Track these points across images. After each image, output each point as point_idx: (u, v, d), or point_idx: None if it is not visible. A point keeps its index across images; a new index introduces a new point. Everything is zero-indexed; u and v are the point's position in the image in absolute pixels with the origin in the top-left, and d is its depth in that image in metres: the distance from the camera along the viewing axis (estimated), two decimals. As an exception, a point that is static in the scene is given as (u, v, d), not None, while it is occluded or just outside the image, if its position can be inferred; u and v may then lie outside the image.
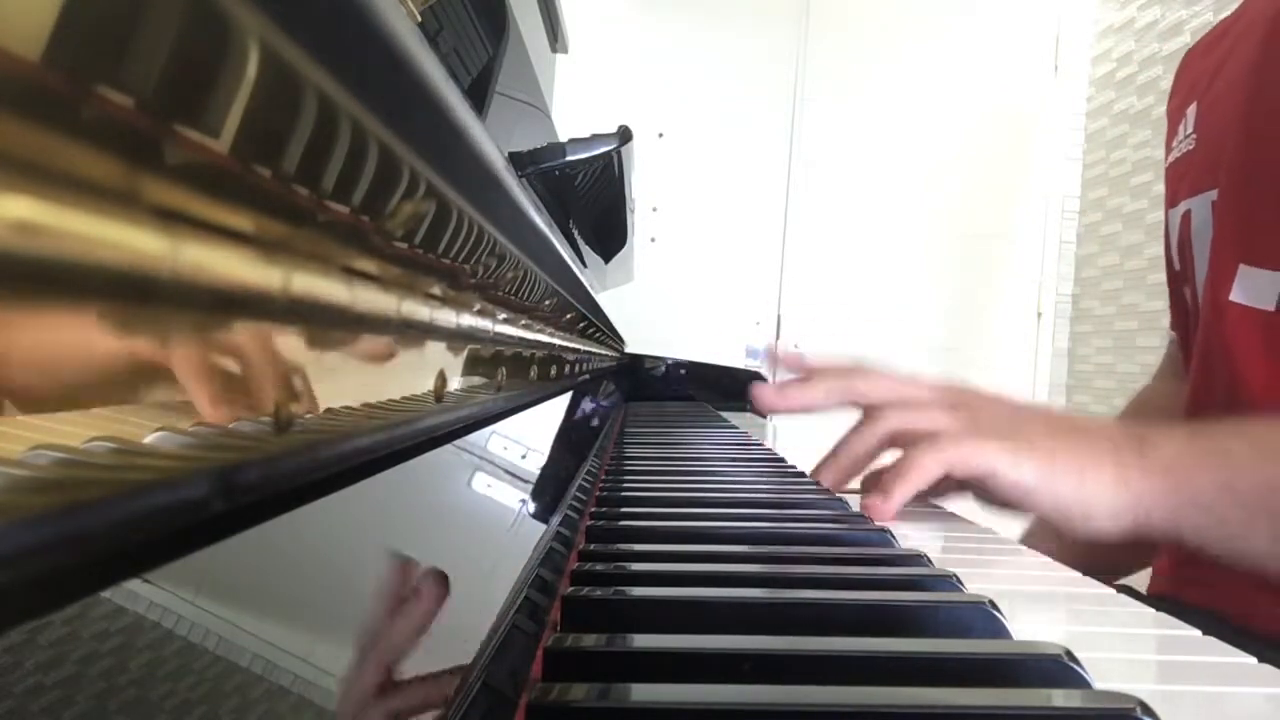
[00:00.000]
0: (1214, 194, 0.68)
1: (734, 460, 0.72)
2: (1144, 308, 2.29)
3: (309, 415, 0.17)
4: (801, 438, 0.85)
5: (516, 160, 0.49)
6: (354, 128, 0.15)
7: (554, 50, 0.89)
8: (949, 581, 0.33)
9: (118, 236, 0.10)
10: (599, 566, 0.34)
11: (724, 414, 1.34)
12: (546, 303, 0.48)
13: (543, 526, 0.37)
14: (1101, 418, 0.58)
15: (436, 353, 0.26)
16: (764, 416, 1.28)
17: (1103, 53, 2.55)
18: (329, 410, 0.18)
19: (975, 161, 2.63)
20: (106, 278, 0.10)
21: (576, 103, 1.52)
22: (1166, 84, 2.22)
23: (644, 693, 0.22)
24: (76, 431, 0.10)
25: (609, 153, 0.57)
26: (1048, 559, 0.47)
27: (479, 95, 0.45)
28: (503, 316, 0.37)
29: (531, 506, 0.38)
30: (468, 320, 0.30)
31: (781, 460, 0.70)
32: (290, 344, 0.16)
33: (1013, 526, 0.63)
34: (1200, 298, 0.71)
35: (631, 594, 0.30)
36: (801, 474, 0.64)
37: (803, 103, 2.64)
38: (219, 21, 0.11)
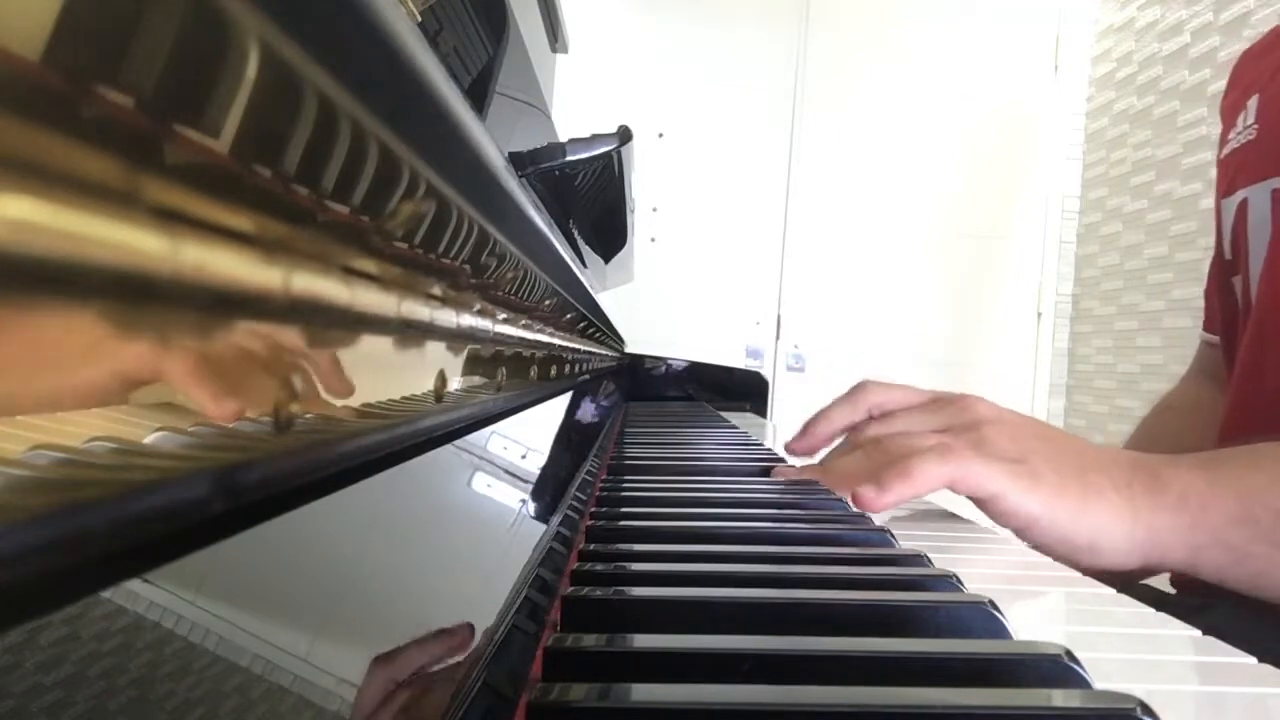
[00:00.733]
0: (1276, 181, 0.67)
1: (734, 460, 0.72)
2: (1144, 308, 2.29)
3: (309, 415, 0.17)
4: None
5: (516, 160, 0.49)
6: (354, 127, 0.15)
7: (554, 50, 0.89)
8: (949, 581, 0.33)
9: (118, 236, 0.10)
10: (599, 567, 0.34)
11: (724, 414, 1.34)
12: (546, 303, 0.48)
13: (543, 526, 0.37)
14: (1112, 448, 0.56)
15: (436, 353, 0.26)
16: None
17: (1103, 53, 2.55)
18: (329, 410, 0.18)
19: (975, 161, 2.63)
20: (106, 278, 0.10)
21: (576, 103, 1.52)
22: (1167, 84, 2.23)
23: (644, 693, 0.22)
24: (76, 431, 0.10)
25: (609, 153, 0.57)
26: (1048, 559, 0.47)
27: (479, 95, 0.45)
28: (503, 316, 0.37)
29: (531, 506, 0.38)
30: (468, 320, 0.30)
31: (781, 460, 0.70)
32: (290, 344, 0.16)
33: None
34: (1255, 289, 0.69)
35: (631, 594, 0.30)
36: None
37: (803, 103, 2.64)
38: (219, 21, 0.11)
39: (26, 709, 0.09)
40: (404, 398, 0.23)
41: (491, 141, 0.25)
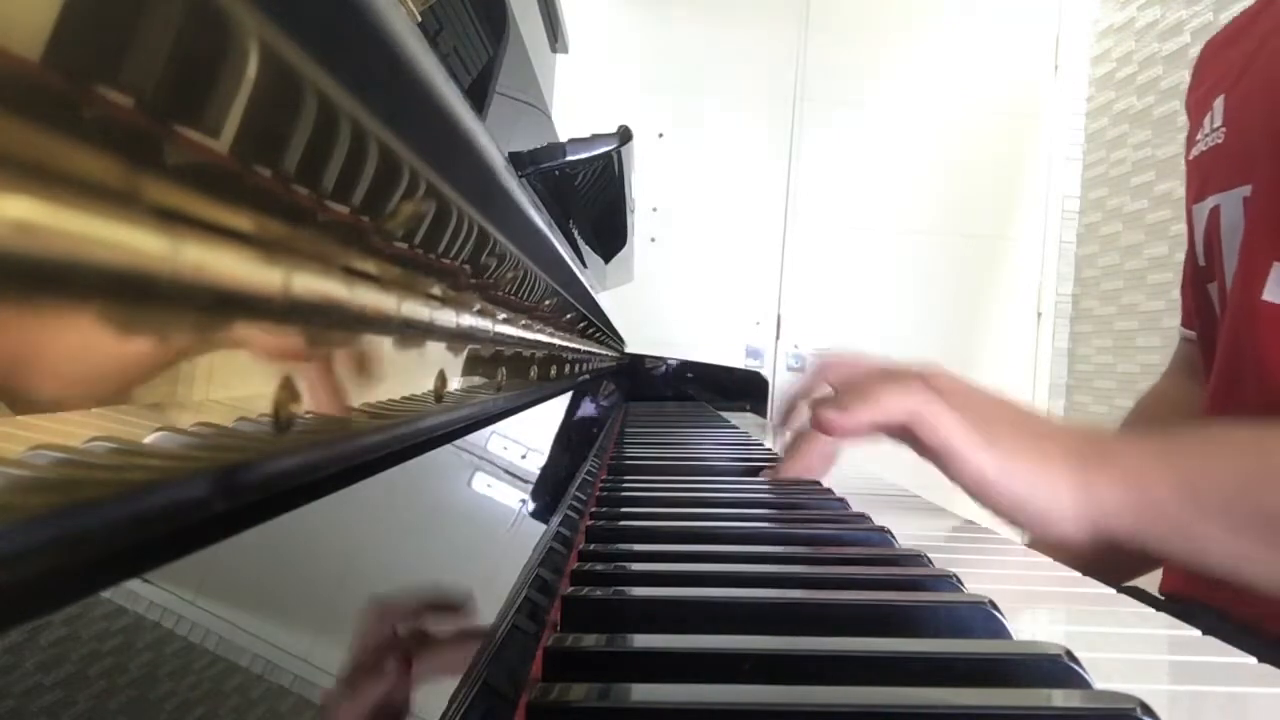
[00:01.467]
0: (1247, 190, 0.66)
1: (734, 460, 0.72)
2: (1144, 308, 2.29)
3: (309, 415, 0.17)
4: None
5: (516, 160, 0.49)
6: (354, 128, 0.15)
7: (554, 50, 0.89)
8: (949, 581, 0.33)
9: (118, 236, 0.10)
10: (599, 566, 0.34)
11: (724, 414, 1.34)
12: (546, 303, 0.48)
13: (543, 526, 0.37)
14: (1072, 423, 0.56)
15: (436, 353, 0.26)
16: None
17: (1103, 53, 2.55)
18: (329, 410, 0.18)
19: (975, 161, 2.63)
20: (106, 278, 0.10)
21: (576, 103, 1.52)
22: (1167, 84, 2.23)
23: (644, 693, 0.22)
24: (76, 431, 0.10)
25: (609, 153, 0.57)
26: (1048, 559, 0.47)
27: (479, 95, 0.45)
28: (503, 316, 0.37)
29: (531, 506, 0.38)
30: (468, 320, 0.30)
31: (781, 460, 0.70)
32: (290, 344, 0.16)
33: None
34: (1228, 296, 0.69)
35: (631, 594, 0.30)
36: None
37: (802, 103, 2.64)
38: (219, 21, 0.11)
39: (26, 709, 0.09)
40: (404, 398, 0.23)
41: (491, 142, 0.25)
